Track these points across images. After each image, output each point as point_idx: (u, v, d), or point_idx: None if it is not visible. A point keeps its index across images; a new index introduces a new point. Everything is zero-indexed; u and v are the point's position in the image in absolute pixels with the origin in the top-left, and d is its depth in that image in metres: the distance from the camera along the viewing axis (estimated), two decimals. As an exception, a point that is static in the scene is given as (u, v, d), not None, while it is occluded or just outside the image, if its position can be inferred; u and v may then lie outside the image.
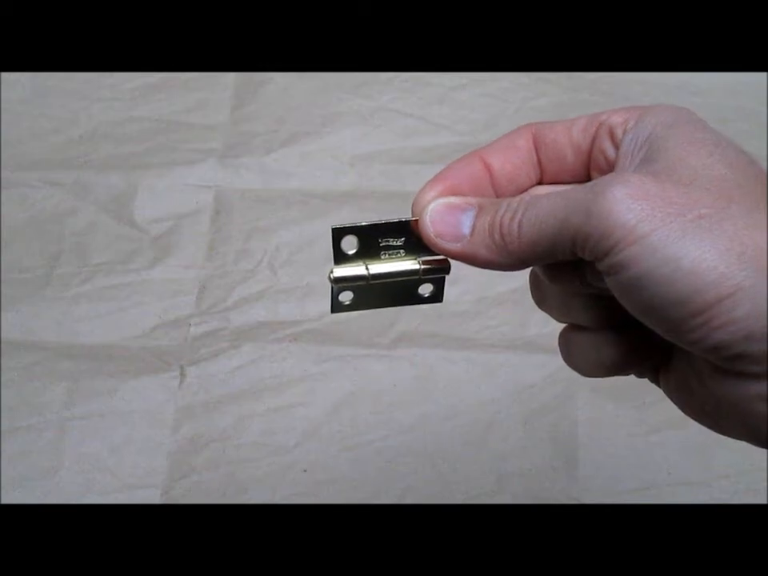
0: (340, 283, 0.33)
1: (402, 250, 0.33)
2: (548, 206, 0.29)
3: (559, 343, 0.35)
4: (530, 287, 0.36)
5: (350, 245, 0.33)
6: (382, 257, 0.33)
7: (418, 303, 0.35)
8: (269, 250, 0.74)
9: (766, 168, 0.29)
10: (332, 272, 0.33)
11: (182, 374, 0.67)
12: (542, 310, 0.36)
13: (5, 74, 0.83)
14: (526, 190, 0.34)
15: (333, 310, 0.35)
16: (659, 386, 0.33)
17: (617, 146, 0.32)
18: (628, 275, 0.27)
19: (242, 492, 0.63)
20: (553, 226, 0.29)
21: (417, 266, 0.34)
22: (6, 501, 0.62)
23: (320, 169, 0.79)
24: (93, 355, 0.68)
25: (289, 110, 0.82)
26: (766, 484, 0.62)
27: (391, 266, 0.33)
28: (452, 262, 0.33)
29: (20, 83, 0.83)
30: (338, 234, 0.33)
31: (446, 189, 0.33)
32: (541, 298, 0.35)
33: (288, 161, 0.79)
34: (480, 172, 0.33)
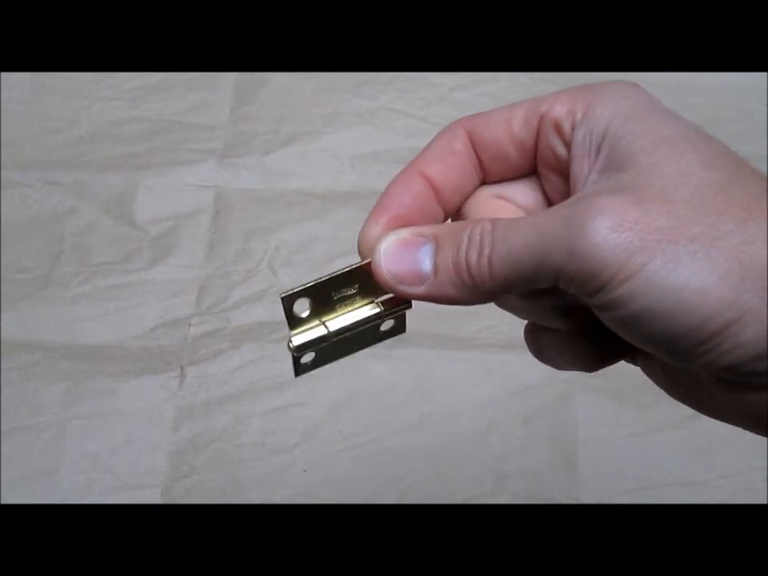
0: (302, 351, 0.31)
1: (357, 297, 0.31)
2: (521, 243, 0.27)
3: (526, 339, 0.33)
4: None
5: (302, 307, 0.31)
6: (338, 308, 0.31)
7: (381, 341, 0.33)
8: (269, 250, 0.74)
9: (740, 155, 0.28)
10: (291, 341, 0.31)
11: (182, 374, 0.67)
12: (502, 308, 0.33)
13: (5, 74, 0.83)
14: (471, 195, 0.32)
15: (297, 374, 0.33)
16: (637, 365, 0.31)
17: (566, 143, 0.29)
18: (625, 312, 0.25)
19: (241, 492, 0.63)
20: (529, 264, 0.26)
21: (378, 309, 0.31)
22: (5, 501, 0.62)
23: (320, 169, 0.79)
24: (93, 355, 0.68)
25: (289, 109, 0.82)
26: (766, 484, 0.61)
27: (350, 317, 0.31)
28: None
29: (20, 83, 0.83)
30: (289, 300, 0.30)
31: (392, 220, 0.30)
32: (501, 304, 0.33)
33: (288, 161, 0.79)
34: (423, 190, 0.30)
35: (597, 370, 0.32)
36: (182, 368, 0.68)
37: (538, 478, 0.63)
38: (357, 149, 0.80)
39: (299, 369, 0.33)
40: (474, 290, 0.28)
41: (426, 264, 0.28)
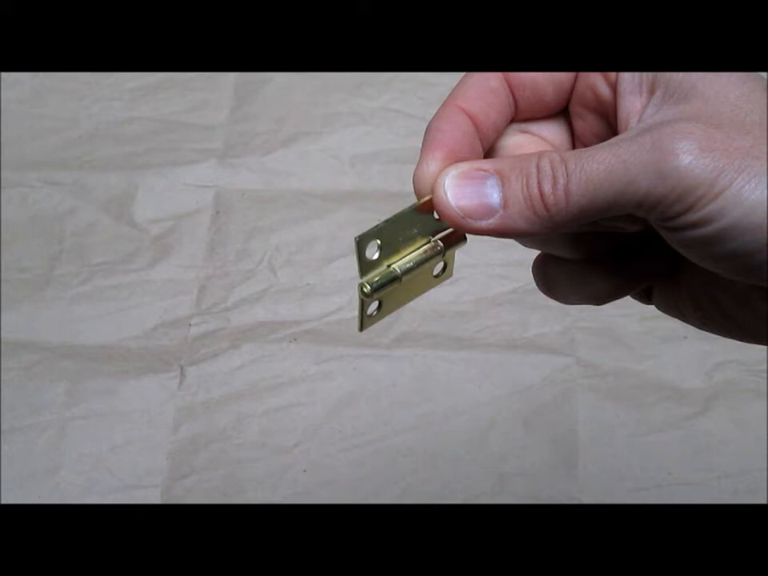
0: (375, 294, 0.29)
1: (417, 237, 0.30)
2: (601, 171, 0.27)
3: (535, 272, 0.33)
4: None
5: (371, 251, 0.29)
6: (401, 250, 0.30)
7: (435, 285, 0.32)
8: (269, 250, 0.74)
9: None
10: (364, 286, 0.29)
11: (182, 374, 0.67)
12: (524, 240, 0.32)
13: (5, 74, 0.83)
14: (503, 132, 0.32)
15: (362, 328, 0.31)
16: (646, 301, 0.32)
17: (610, 83, 0.30)
18: (711, 229, 0.26)
19: (241, 492, 0.63)
20: (611, 192, 0.26)
21: (439, 246, 0.30)
22: (5, 501, 0.62)
23: (320, 169, 0.79)
24: (93, 355, 0.68)
25: (289, 109, 0.82)
26: (765, 484, 0.62)
27: (414, 257, 0.30)
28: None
29: (20, 83, 0.83)
30: (364, 242, 0.28)
31: (448, 156, 0.29)
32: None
33: (288, 161, 0.79)
34: (469, 127, 0.30)
35: (605, 303, 0.32)
36: (182, 368, 0.68)
37: (538, 478, 0.63)
38: (357, 149, 0.80)
39: (365, 321, 0.31)
40: (545, 221, 0.27)
41: (494, 197, 0.28)
